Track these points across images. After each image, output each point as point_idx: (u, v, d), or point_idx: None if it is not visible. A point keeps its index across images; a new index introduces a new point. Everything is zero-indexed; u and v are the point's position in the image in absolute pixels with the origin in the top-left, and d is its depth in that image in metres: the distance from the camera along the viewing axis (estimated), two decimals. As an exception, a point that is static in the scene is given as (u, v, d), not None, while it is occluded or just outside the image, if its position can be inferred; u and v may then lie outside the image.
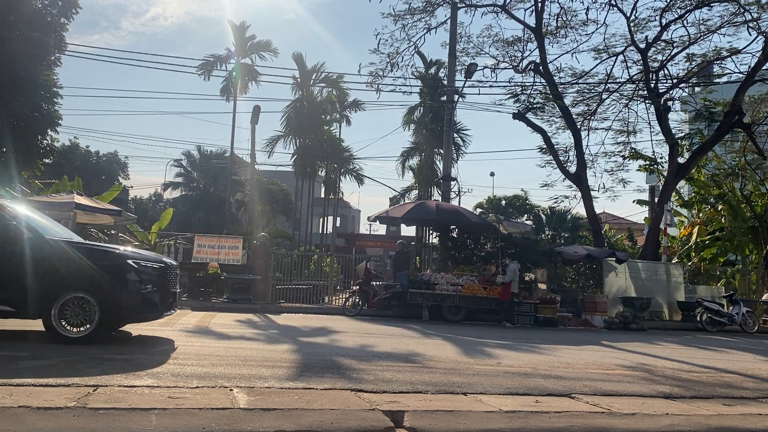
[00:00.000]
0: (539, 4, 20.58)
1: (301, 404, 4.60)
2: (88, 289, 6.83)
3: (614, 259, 18.12)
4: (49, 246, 6.92)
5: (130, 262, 7.12)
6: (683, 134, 21.95)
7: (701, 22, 19.69)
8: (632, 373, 7.44)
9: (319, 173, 36.70)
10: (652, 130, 21.97)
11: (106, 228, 20.99)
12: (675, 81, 20.73)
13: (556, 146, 21.73)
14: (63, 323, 6.74)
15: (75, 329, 6.80)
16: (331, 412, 4.41)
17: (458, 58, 20.69)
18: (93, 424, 3.73)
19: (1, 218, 6.94)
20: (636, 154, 22.38)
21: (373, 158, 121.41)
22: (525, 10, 20.80)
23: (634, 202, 37.04)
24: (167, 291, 7.63)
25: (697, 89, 22.68)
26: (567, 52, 25.68)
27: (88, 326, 6.79)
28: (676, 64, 20.92)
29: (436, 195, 28.80)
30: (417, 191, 32.23)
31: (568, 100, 21.59)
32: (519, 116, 21.05)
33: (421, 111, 30.88)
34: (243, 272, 16.00)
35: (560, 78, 21.56)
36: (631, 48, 20.52)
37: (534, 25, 20.75)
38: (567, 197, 22.46)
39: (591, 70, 21.75)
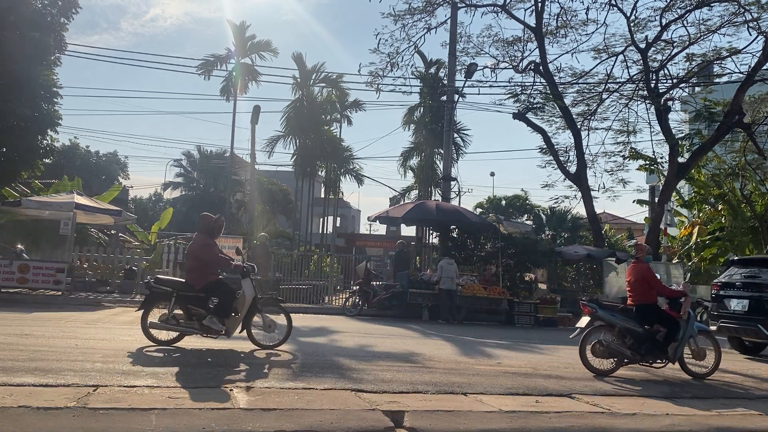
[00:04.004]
0: (539, 4, 20.57)
1: (301, 404, 4.59)
2: None
3: (614, 259, 18.11)
4: None
5: None
6: (683, 134, 21.93)
7: (701, 22, 19.66)
8: (632, 373, 7.43)
9: (319, 173, 36.66)
10: (652, 130, 21.93)
11: (106, 228, 20.99)
12: (675, 81, 20.71)
13: (556, 146, 21.71)
14: None
15: None
16: (331, 412, 4.41)
17: (458, 58, 20.67)
18: (93, 424, 3.73)
19: None
20: (636, 154, 22.36)
21: (373, 158, 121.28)
22: (525, 10, 20.78)
23: (634, 202, 37.05)
24: None
25: (697, 89, 22.66)
26: (567, 52, 25.64)
27: None
28: (676, 64, 20.89)
29: (436, 195, 28.77)
30: (417, 191, 32.21)
31: (568, 100, 21.57)
32: (519, 116, 21.03)
33: (421, 111, 30.85)
34: (243, 272, 15.96)
35: (560, 78, 21.55)
36: (631, 48, 20.49)
37: (534, 25, 20.73)
38: (567, 197, 22.41)
39: (591, 70, 21.73)
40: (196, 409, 4.21)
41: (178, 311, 7.26)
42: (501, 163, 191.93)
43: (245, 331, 7.44)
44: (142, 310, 7.27)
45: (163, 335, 7.28)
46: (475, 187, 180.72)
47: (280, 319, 7.58)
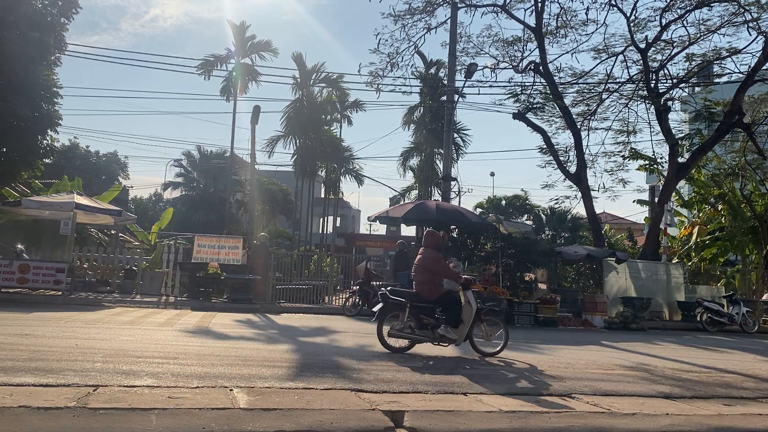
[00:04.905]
0: (539, 4, 20.57)
1: (301, 404, 4.59)
2: None
3: (614, 259, 18.10)
4: None
5: None
6: (683, 134, 21.94)
7: (701, 22, 19.68)
8: (632, 373, 7.43)
9: (319, 173, 36.69)
10: (652, 130, 21.96)
11: (106, 228, 20.98)
12: (675, 81, 20.72)
13: (556, 146, 21.73)
14: None
15: None
16: (331, 412, 4.41)
17: (458, 58, 20.65)
18: (93, 424, 3.73)
19: None
20: (636, 154, 22.38)
21: (373, 158, 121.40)
22: (525, 10, 20.79)
23: (634, 202, 37.17)
24: None
25: (697, 89, 22.68)
26: (567, 52, 25.74)
27: None
28: (676, 64, 20.92)
29: (436, 195, 28.82)
30: (417, 191, 32.25)
31: (568, 100, 21.58)
32: (519, 116, 21.04)
33: (421, 111, 30.89)
34: (243, 272, 15.99)
35: (560, 78, 21.56)
36: (631, 48, 20.50)
37: (534, 25, 20.74)
38: (567, 197, 22.42)
39: (591, 70, 21.74)
40: (196, 409, 4.21)
41: (410, 321, 7.72)
42: (501, 163, 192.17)
43: (467, 339, 7.91)
44: (378, 321, 7.81)
45: (397, 343, 7.76)
46: (475, 187, 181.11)
47: (498, 329, 8.14)
